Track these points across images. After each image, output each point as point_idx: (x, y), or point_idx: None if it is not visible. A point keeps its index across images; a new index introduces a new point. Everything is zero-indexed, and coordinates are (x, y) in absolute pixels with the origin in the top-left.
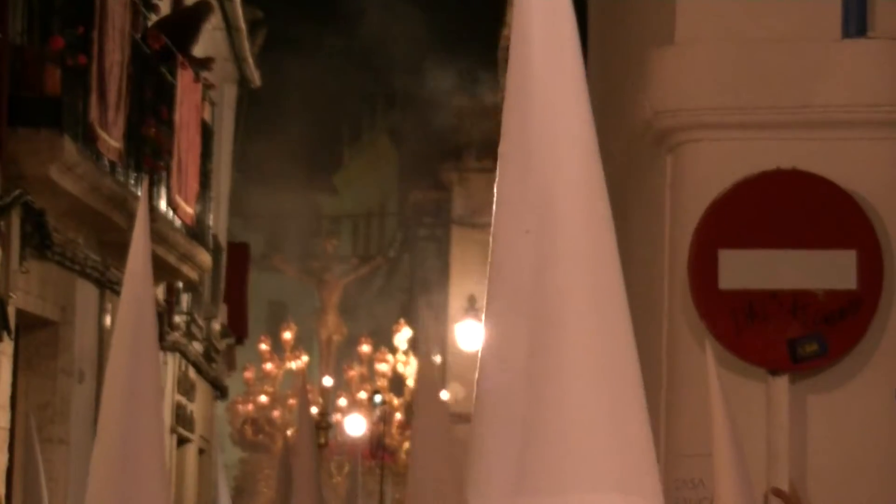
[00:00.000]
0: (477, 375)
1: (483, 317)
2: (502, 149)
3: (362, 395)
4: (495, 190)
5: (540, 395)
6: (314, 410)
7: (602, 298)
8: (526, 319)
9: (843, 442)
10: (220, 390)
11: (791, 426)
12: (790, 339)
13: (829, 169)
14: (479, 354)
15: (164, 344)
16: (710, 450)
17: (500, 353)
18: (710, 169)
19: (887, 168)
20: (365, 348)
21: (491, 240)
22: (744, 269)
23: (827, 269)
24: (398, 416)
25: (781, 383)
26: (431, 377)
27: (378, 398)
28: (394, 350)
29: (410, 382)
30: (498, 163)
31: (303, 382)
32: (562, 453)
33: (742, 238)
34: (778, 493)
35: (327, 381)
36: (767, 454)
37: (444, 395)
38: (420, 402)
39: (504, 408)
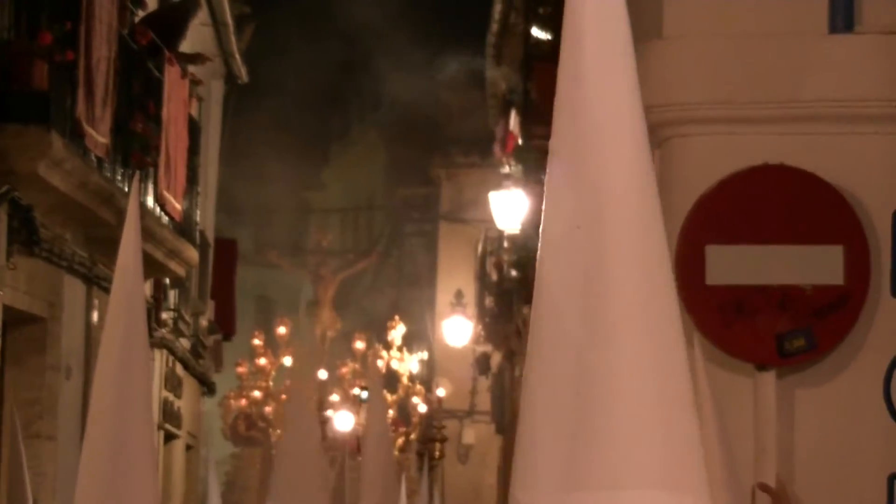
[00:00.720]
0: (525, 370)
1: (532, 311)
2: (553, 145)
3: (356, 391)
4: (546, 186)
5: (590, 392)
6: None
7: (653, 295)
8: (577, 315)
9: (831, 437)
10: (207, 386)
11: (778, 421)
12: (778, 335)
13: (817, 164)
14: (528, 348)
15: (151, 340)
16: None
17: (549, 349)
18: (698, 164)
19: (875, 163)
20: (359, 345)
21: (541, 235)
22: (731, 265)
23: (814, 265)
24: (391, 412)
25: (769, 378)
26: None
27: (365, 394)
28: (388, 346)
29: (405, 379)
30: (548, 158)
31: (296, 379)
32: (611, 449)
33: (729, 233)
34: (765, 488)
35: (322, 375)
36: (755, 449)
37: (441, 391)
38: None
39: (554, 403)
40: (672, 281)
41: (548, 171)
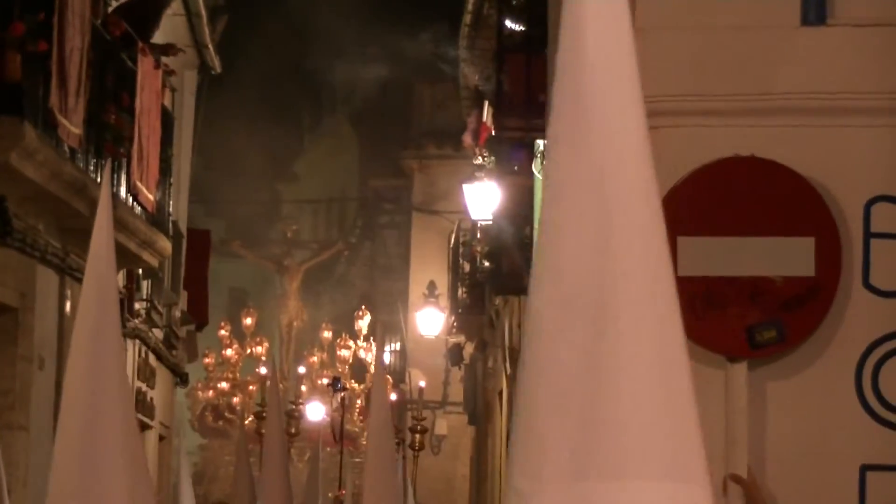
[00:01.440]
0: (525, 358)
1: (531, 299)
2: (552, 132)
3: (324, 381)
4: (545, 174)
5: (597, 382)
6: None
7: (657, 285)
8: (584, 304)
9: (802, 428)
10: (180, 377)
11: (750, 413)
12: (748, 326)
13: (789, 156)
14: (528, 336)
15: (124, 331)
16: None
17: (553, 337)
18: (671, 156)
19: (847, 155)
20: (326, 334)
21: (542, 223)
22: (702, 256)
23: (785, 256)
24: (359, 402)
25: (740, 370)
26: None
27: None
28: (356, 336)
29: (373, 369)
30: (547, 145)
31: (273, 370)
32: (619, 440)
33: (700, 225)
34: (737, 479)
35: (301, 370)
36: (726, 441)
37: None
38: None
39: (559, 393)
40: (672, 271)
41: (548, 158)
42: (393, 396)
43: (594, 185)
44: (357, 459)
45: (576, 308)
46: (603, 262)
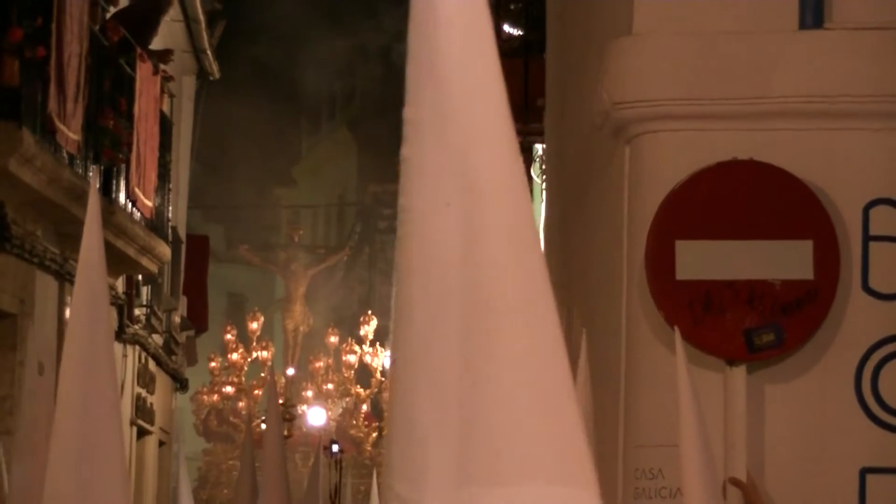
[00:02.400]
0: (395, 357)
1: (398, 293)
2: (411, 115)
3: (329, 386)
4: (405, 160)
5: (473, 384)
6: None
7: (529, 277)
8: (454, 298)
9: (801, 432)
10: (180, 382)
11: (749, 416)
12: (747, 330)
13: (786, 159)
14: (396, 336)
15: (123, 336)
16: (677, 440)
17: (424, 337)
18: (668, 160)
19: (844, 158)
20: (332, 339)
21: (403, 213)
22: (701, 260)
23: (784, 260)
24: (365, 407)
25: (739, 373)
26: None
27: (291, 371)
28: (361, 341)
29: (378, 374)
30: (405, 130)
31: (271, 374)
32: (500, 444)
33: (699, 229)
34: (736, 483)
35: (290, 372)
36: (725, 444)
37: None
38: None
39: (437, 395)
40: (543, 256)
41: (406, 144)
42: None
43: (456, 171)
44: (367, 462)
45: (445, 304)
46: (475, 254)
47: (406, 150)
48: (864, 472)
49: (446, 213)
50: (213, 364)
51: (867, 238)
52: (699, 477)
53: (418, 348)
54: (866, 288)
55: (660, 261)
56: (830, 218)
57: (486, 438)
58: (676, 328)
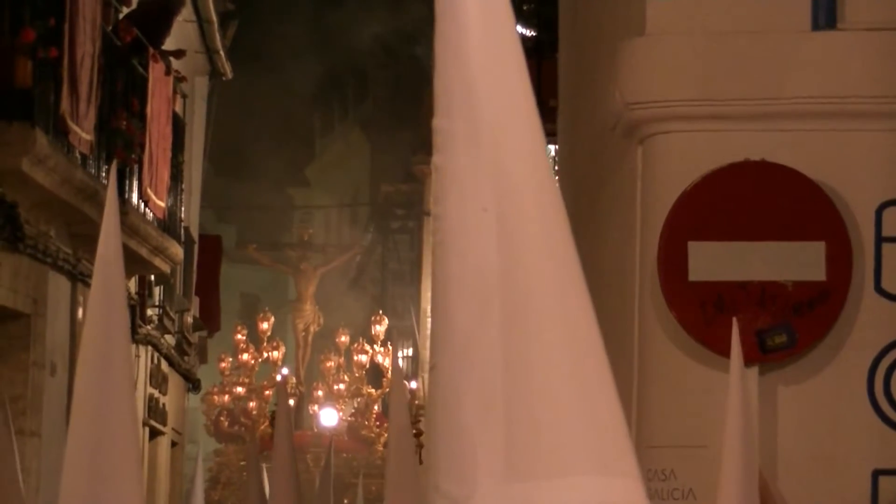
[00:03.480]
0: (437, 359)
1: (437, 298)
2: (442, 125)
3: (340, 386)
4: (437, 169)
5: (516, 380)
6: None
7: (566, 275)
8: (497, 300)
9: (813, 433)
10: (192, 383)
11: (761, 417)
12: (759, 331)
13: (799, 160)
14: (437, 336)
15: (136, 337)
16: (721, 439)
17: (467, 337)
18: (681, 161)
19: (857, 159)
20: (343, 339)
21: (438, 222)
22: (713, 261)
23: (796, 261)
24: (376, 408)
25: (751, 374)
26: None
27: (284, 370)
28: (372, 341)
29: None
30: (436, 139)
31: (282, 375)
32: (546, 437)
33: (711, 230)
34: None
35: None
36: None
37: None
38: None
39: (484, 392)
40: (578, 262)
41: (439, 151)
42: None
43: (490, 177)
44: (378, 462)
45: (485, 307)
46: (513, 258)
47: (438, 159)
48: (877, 474)
49: (483, 219)
50: (223, 364)
51: (880, 239)
52: (737, 485)
53: (460, 351)
54: (879, 289)
55: (672, 262)
56: (843, 219)
57: (532, 434)
58: (735, 325)
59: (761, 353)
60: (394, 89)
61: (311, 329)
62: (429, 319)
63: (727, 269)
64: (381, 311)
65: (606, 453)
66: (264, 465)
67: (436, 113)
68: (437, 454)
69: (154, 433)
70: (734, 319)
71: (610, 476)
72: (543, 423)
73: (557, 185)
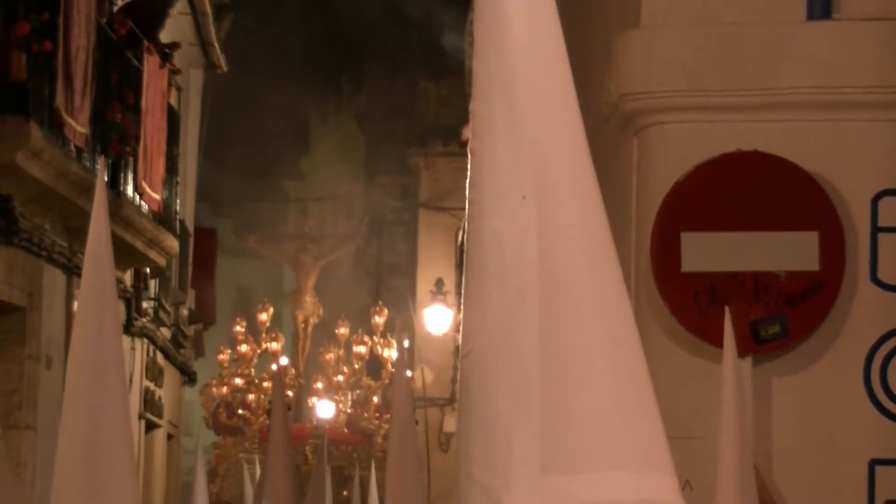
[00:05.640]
0: (472, 348)
1: (471, 286)
2: (480, 110)
3: (339, 378)
4: (474, 154)
5: (555, 374)
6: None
7: (604, 265)
8: (535, 289)
9: (808, 423)
10: (188, 376)
11: (755, 408)
12: (752, 321)
13: (794, 151)
14: (471, 325)
15: (132, 330)
16: (717, 429)
17: (505, 327)
18: (676, 152)
19: (852, 150)
20: (342, 330)
21: (474, 207)
22: (706, 252)
23: (789, 251)
24: (376, 399)
25: (745, 365)
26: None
27: (283, 360)
28: (371, 332)
29: (390, 366)
30: (473, 125)
31: (278, 366)
32: (583, 432)
33: (704, 220)
34: None
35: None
36: None
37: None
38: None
39: (520, 384)
40: (615, 252)
41: (475, 137)
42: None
43: (531, 165)
44: (378, 454)
45: (523, 295)
46: (550, 244)
47: (475, 145)
48: (873, 464)
49: (523, 207)
50: (222, 356)
51: (876, 229)
52: (734, 476)
53: (496, 340)
54: (875, 279)
55: (665, 253)
56: (836, 209)
57: (569, 426)
58: (728, 315)
59: (755, 344)
60: (389, 81)
61: (311, 321)
62: (425, 312)
63: (720, 259)
64: (380, 302)
65: (642, 448)
66: (256, 457)
67: (473, 97)
68: (470, 441)
69: (150, 426)
70: (727, 309)
71: (645, 472)
72: (580, 416)
73: (595, 174)
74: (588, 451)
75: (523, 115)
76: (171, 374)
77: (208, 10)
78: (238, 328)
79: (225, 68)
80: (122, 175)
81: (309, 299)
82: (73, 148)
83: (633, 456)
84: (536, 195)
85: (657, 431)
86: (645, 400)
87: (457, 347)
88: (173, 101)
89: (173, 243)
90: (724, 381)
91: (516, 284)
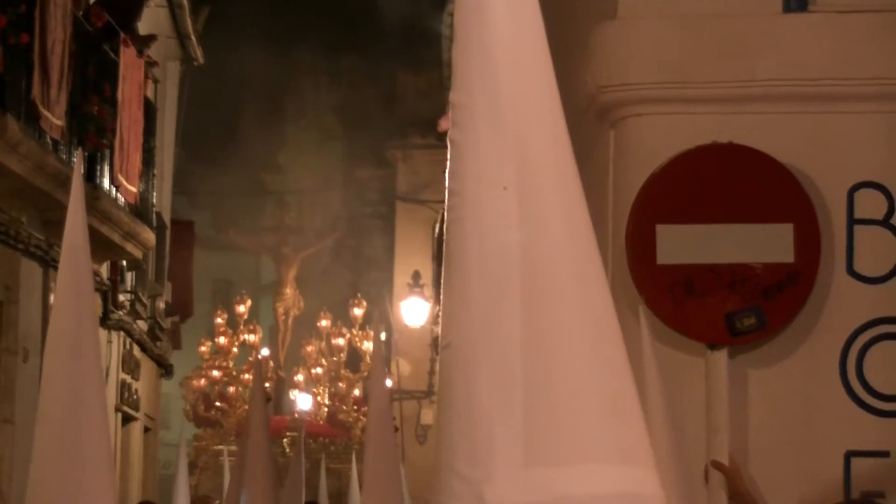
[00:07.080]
0: (451, 340)
1: (451, 275)
2: (460, 99)
3: (318, 370)
4: (454, 144)
5: (536, 364)
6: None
7: (585, 256)
8: (517, 280)
9: (783, 415)
10: (165, 368)
11: (731, 400)
12: (728, 313)
13: (771, 143)
14: (450, 316)
15: (108, 322)
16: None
17: (485, 319)
18: (653, 144)
19: (829, 142)
20: (324, 323)
21: (455, 198)
22: (681, 244)
23: (765, 243)
24: (356, 392)
25: (720, 357)
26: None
27: (266, 351)
28: (351, 325)
29: (368, 359)
30: (453, 114)
31: (257, 358)
32: (565, 424)
33: (679, 212)
34: (718, 466)
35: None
36: (707, 428)
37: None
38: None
39: (502, 376)
40: (596, 244)
41: (455, 126)
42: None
43: (513, 155)
44: (356, 447)
45: (505, 287)
46: (532, 235)
47: (455, 135)
48: (849, 456)
49: (504, 198)
50: (202, 349)
51: (852, 221)
52: (668, 461)
53: (478, 331)
54: (851, 271)
55: (640, 245)
56: (811, 200)
57: (551, 419)
58: (641, 309)
59: (731, 336)
60: (367, 74)
61: (292, 313)
62: (402, 304)
63: (695, 251)
64: (359, 295)
65: (624, 441)
66: (224, 449)
67: (453, 87)
68: (451, 434)
69: (126, 419)
70: (643, 307)
71: (627, 465)
72: (562, 408)
73: (576, 165)
74: (570, 444)
75: (505, 104)
76: (147, 366)
77: (185, 2)
78: (219, 320)
79: (202, 60)
80: (99, 167)
81: (290, 292)
82: (49, 140)
83: (615, 449)
84: (518, 186)
85: (639, 424)
86: (627, 392)
87: (435, 339)
88: (150, 94)
89: (150, 236)
90: (644, 367)
91: (497, 276)
